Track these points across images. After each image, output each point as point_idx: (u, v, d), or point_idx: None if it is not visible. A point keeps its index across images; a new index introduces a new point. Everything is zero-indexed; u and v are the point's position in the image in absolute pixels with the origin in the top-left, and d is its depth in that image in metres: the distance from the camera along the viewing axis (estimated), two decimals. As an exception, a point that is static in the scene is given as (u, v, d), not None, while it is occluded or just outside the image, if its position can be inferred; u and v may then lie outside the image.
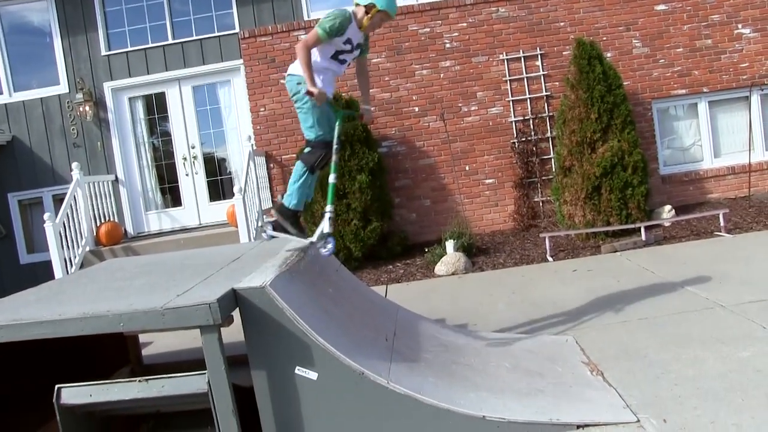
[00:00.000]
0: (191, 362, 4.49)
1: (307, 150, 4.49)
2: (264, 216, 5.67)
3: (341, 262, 6.23)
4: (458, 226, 9.11)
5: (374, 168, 9.08)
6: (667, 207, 9.41)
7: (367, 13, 4.35)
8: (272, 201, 9.60)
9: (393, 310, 5.28)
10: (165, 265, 5.13)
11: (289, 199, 4.57)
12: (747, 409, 3.55)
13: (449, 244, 8.63)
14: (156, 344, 6.38)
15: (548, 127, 9.88)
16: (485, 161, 9.96)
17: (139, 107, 10.81)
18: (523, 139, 9.89)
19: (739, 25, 10.04)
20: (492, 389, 4.04)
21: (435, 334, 5.06)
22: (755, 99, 10.22)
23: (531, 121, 9.92)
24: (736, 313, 5.21)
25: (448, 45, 9.96)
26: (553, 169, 9.60)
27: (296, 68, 4.37)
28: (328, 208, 4.42)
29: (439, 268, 8.37)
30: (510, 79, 9.94)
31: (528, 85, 9.96)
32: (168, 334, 5.86)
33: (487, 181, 9.97)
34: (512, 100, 9.94)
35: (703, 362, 4.29)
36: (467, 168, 9.97)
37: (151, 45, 10.67)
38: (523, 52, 9.94)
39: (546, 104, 9.95)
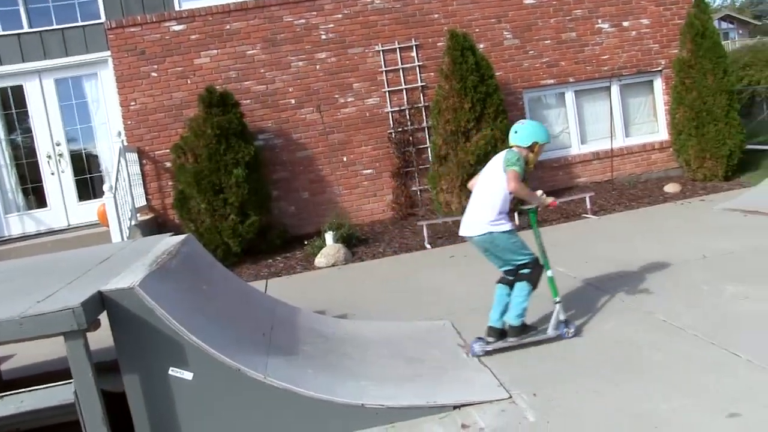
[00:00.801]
0: (59, 372, 4.32)
1: (526, 271, 4.76)
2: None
3: (219, 258, 6.47)
4: (337, 218, 9.49)
5: (251, 161, 9.26)
6: (539, 192, 10.18)
7: (531, 150, 4.86)
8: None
9: (271, 305, 5.42)
10: (28, 270, 5.06)
11: (519, 319, 4.74)
12: (607, 377, 4.05)
13: (329, 236, 8.98)
14: (20, 356, 6.12)
15: (424, 117, 10.45)
16: (363, 152, 10.43)
17: (-8, 101, 10.44)
18: (400, 129, 10.42)
19: (599, 20, 11.04)
20: (372, 377, 4.27)
21: (314, 326, 5.26)
22: (615, 89, 11.29)
23: (407, 112, 10.47)
24: (599, 290, 5.87)
25: (323, 36, 10.32)
26: (430, 158, 10.17)
27: (482, 224, 4.79)
28: (557, 299, 4.84)
29: (319, 260, 8.67)
30: (386, 71, 10.44)
31: (404, 76, 10.48)
32: (34, 344, 5.68)
33: (366, 171, 10.44)
34: (388, 91, 10.45)
35: (569, 338, 4.79)
36: (345, 159, 10.39)
37: (3, 33, 10.28)
38: (398, 44, 10.45)
39: (422, 95, 10.52)
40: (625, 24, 11.14)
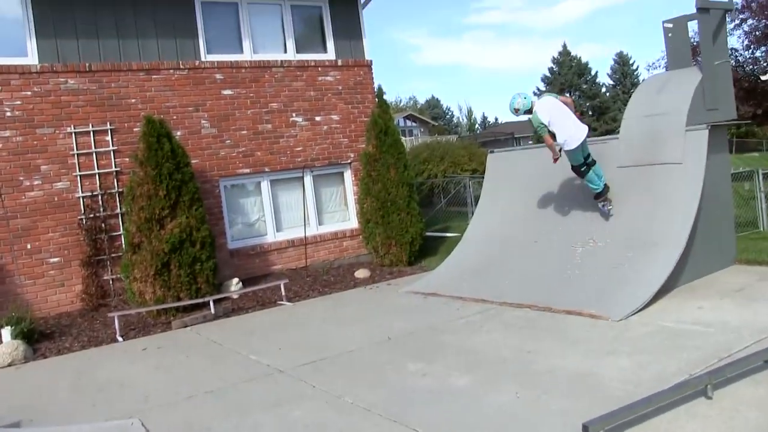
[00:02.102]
0: None
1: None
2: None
3: None
4: (17, 311, 9.28)
5: None
6: (235, 280, 11.17)
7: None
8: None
9: None
10: None
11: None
12: None
13: (6, 332, 8.78)
14: None
15: (118, 204, 10.86)
16: (50, 238, 10.50)
17: None
18: (92, 215, 10.71)
19: (294, 114, 12.56)
20: None
21: None
22: (308, 179, 12.81)
23: (100, 197, 10.82)
24: (292, 376, 6.53)
25: (8, 113, 10.30)
26: (123, 246, 10.54)
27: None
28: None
29: None
30: (78, 153, 10.72)
31: (97, 160, 10.86)
32: None
33: (53, 260, 10.50)
34: (80, 175, 10.72)
35: (261, 426, 5.31)
36: (29, 246, 10.35)
37: None
38: (92, 126, 10.84)
39: (116, 180, 10.98)
40: (318, 119, 12.80)
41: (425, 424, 5.01)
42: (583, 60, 55.10)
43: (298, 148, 12.58)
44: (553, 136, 9.12)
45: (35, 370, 8.17)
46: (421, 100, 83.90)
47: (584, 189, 9.47)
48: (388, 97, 14.36)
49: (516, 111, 9.25)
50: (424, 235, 12.72)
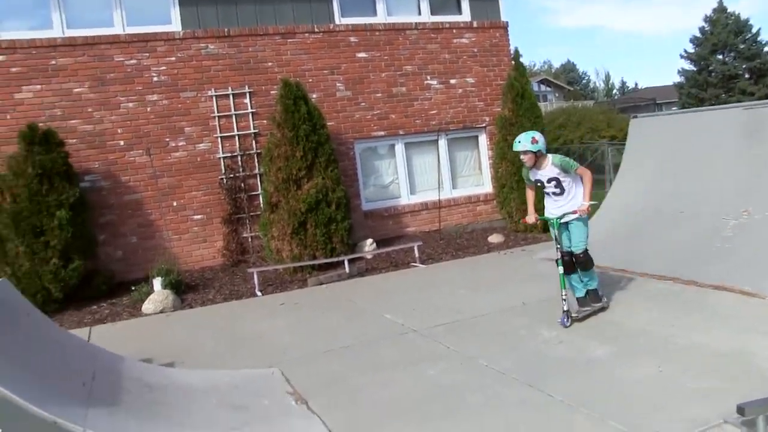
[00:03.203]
0: None
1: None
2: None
3: (39, 304, 6.71)
4: (166, 263, 9.92)
5: (75, 203, 9.54)
6: (369, 240, 11.31)
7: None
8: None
9: (93, 353, 5.49)
10: None
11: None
12: (432, 419, 4.52)
13: (157, 282, 9.40)
14: None
15: (256, 164, 11.27)
16: (193, 197, 11.07)
17: None
18: (232, 175, 11.18)
19: (428, 77, 12.48)
20: (197, 426, 4.47)
21: (139, 375, 5.35)
22: (443, 143, 12.73)
23: (239, 158, 11.27)
24: (425, 337, 6.51)
25: (155, 78, 10.92)
26: (261, 205, 10.94)
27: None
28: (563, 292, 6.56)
29: (147, 306, 9.04)
30: (218, 116, 11.20)
31: (236, 122, 11.29)
32: None
33: (196, 217, 11.08)
34: (221, 137, 11.21)
35: (396, 383, 5.29)
36: (175, 204, 10.98)
37: None
38: (231, 90, 11.27)
39: (254, 141, 11.37)
40: (452, 81, 12.65)
41: (561, 391, 4.84)
42: (743, 16, 51.48)
43: (433, 111, 12.50)
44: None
45: (182, 319, 8.64)
46: (556, 65, 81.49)
47: (739, 156, 8.59)
48: (523, 61, 14.15)
49: (534, 141, 6.53)
50: (564, 202, 12.29)
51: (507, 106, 12.13)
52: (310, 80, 11.61)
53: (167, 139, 10.95)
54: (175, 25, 11.08)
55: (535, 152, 6.52)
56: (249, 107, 11.37)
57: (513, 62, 12.66)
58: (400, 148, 12.48)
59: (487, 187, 13.05)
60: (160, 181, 10.87)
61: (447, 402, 4.86)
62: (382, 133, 12.19)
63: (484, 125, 12.95)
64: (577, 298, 6.83)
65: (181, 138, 11.01)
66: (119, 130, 10.74)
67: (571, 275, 6.77)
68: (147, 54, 10.89)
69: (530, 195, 7.09)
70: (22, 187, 9.30)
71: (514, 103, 12.00)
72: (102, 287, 9.91)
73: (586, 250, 6.66)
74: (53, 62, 10.44)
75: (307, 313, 8.15)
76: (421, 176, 12.68)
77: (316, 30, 11.75)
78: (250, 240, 11.28)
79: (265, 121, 11.26)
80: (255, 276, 9.73)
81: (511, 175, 11.96)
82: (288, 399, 5.11)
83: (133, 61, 10.83)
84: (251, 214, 11.25)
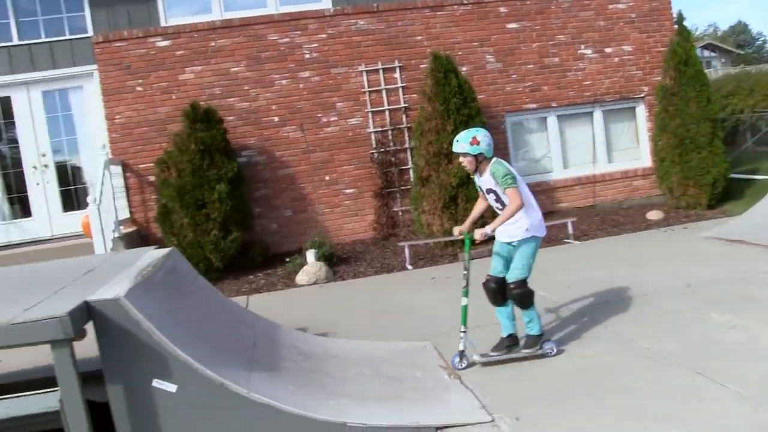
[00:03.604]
0: (44, 380, 4.47)
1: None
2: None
3: (201, 273, 7.07)
4: (319, 236, 10.17)
5: (233, 178, 10.00)
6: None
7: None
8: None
9: (253, 321, 5.69)
10: (12, 279, 5.29)
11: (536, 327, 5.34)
12: (591, 401, 4.29)
13: (310, 254, 9.66)
14: (6, 363, 6.24)
15: (406, 138, 11.29)
16: (345, 171, 11.28)
17: (-20, 112, 11.32)
18: (382, 149, 11.28)
19: (582, 46, 11.96)
20: (352, 396, 4.50)
21: (295, 343, 5.53)
22: (598, 115, 12.19)
23: (390, 132, 11.33)
24: (581, 315, 6.20)
25: (307, 55, 11.19)
26: (412, 179, 10.98)
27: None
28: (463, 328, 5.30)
29: (300, 277, 9.32)
30: (369, 91, 11.31)
31: (387, 97, 11.36)
32: (19, 352, 5.82)
33: (348, 191, 11.28)
34: (371, 111, 11.32)
35: (553, 362, 5.08)
36: (327, 178, 11.24)
37: (-8, 45, 11.23)
38: (381, 64, 11.33)
39: (404, 116, 11.38)
40: (608, 50, 12.07)
41: (735, 380, 4.38)
42: None
43: (587, 82, 12.00)
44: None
45: (334, 290, 8.83)
46: (723, 27, 75.34)
47: None
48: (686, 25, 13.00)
49: (474, 143, 5.31)
50: (727, 177, 11.44)
51: (668, 75, 11.41)
52: (460, 53, 11.46)
53: (319, 115, 11.19)
54: (325, 3, 11.31)
55: (475, 155, 5.24)
56: (399, 81, 11.39)
57: (675, 26, 11.86)
58: (552, 120, 12.10)
59: (645, 161, 12.38)
60: (312, 155, 11.13)
61: (604, 384, 4.60)
62: (534, 105, 11.86)
63: (642, 95, 12.28)
64: (501, 337, 5.42)
65: (332, 113, 11.21)
66: (273, 107, 11.11)
67: (501, 308, 5.42)
68: (299, 32, 11.17)
69: (478, 204, 5.81)
70: (186, 162, 9.84)
71: (677, 71, 11.26)
72: (257, 258, 10.32)
73: (523, 281, 5.25)
74: (212, 44, 10.95)
75: (457, 287, 7.90)
76: (574, 150, 12.22)
77: (465, 2, 11.58)
78: (400, 214, 11.32)
79: (415, 96, 11.23)
80: (406, 249, 9.76)
81: (671, 148, 11.27)
82: (441, 372, 5.08)
83: (286, 40, 11.14)
84: (401, 188, 11.29)
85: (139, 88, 10.90)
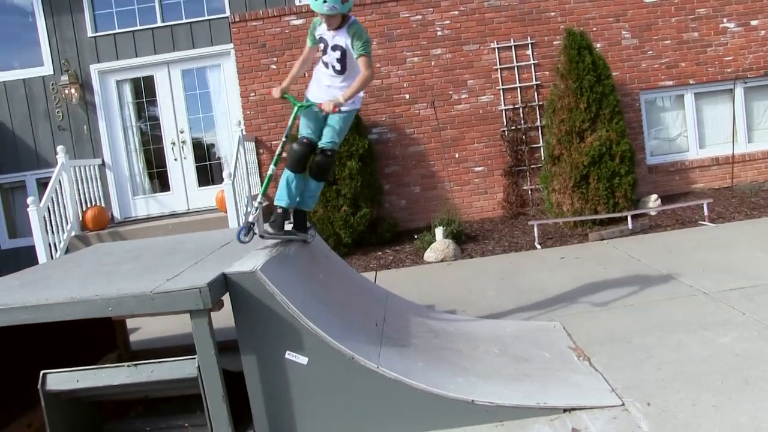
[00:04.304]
0: (179, 348, 4.85)
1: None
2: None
3: (331, 248, 7.23)
4: (447, 213, 10.14)
5: (364, 154, 10.10)
6: (653, 196, 10.69)
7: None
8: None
9: (382, 296, 5.74)
10: (153, 250, 5.44)
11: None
12: (726, 391, 4.06)
13: (438, 231, 9.66)
14: (143, 330, 6.78)
15: (538, 116, 11.09)
16: (475, 149, 11.17)
17: (127, 90, 11.85)
18: (513, 127, 11.11)
19: (725, 20, 11.38)
20: (480, 374, 4.45)
21: (424, 319, 5.54)
22: (739, 92, 11.60)
23: (521, 110, 11.14)
24: (718, 300, 5.88)
25: (439, 33, 11.12)
26: (542, 158, 10.79)
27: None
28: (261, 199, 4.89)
29: (429, 254, 9.35)
30: (500, 68, 11.14)
31: (518, 74, 11.16)
32: (155, 320, 5.97)
33: (477, 168, 11.18)
34: (502, 89, 11.15)
35: (685, 347, 4.85)
36: (457, 156, 11.17)
37: (139, 27, 11.71)
38: (513, 41, 11.14)
39: (536, 93, 11.17)
40: (754, 23, 11.43)
41: None
42: None
43: (728, 58, 11.43)
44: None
45: (462, 268, 8.75)
46: None
47: None
48: None
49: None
50: None
51: (817, 49, 10.78)
52: (594, 29, 11.13)
53: (450, 92, 11.13)
54: (458, -20, 11.16)
55: (346, 13, 4.84)
56: (531, 59, 11.19)
57: (827, -3, 11.17)
58: (689, 98, 11.60)
59: (788, 141, 11.74)
60: (443, 133, 11.09)
61: (742, 372, 4.35)
62: (671, 82, 11.40)
63: (789, 71, 11.63)
64: (277, 212, 4.85)
65: (463, 90, 11.12)
66: (405, 84, 11.11)
67: (298, 175, 4.88)
68: (431, 9, 11.11)
69: (299, 61, 5.33)
70: (317, 139, 9.88)
71: (826, 46, 10.64)
72: (386, 234, 10.38)
73: (333, 150, 4.93)
74: (345, 21, 10.96)
75: (587, 268, 7.86)
76: (711, 129, 11.69)
77: (600, -24, 11.23)
78: (529, 192, 11.16)
79: (547, 73, 11.05)
80: (535, 228, 9.66)
81: (817, 127, 10.68)
82: (570, 354, 5.00)
83: (419, 17, 11.10)
84: (531, 166, 11.11)
85: (273, 66, 11.10)
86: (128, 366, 3.86)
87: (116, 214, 11.69)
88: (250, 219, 4.79)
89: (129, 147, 11.80)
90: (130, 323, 6.08)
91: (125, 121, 11.82)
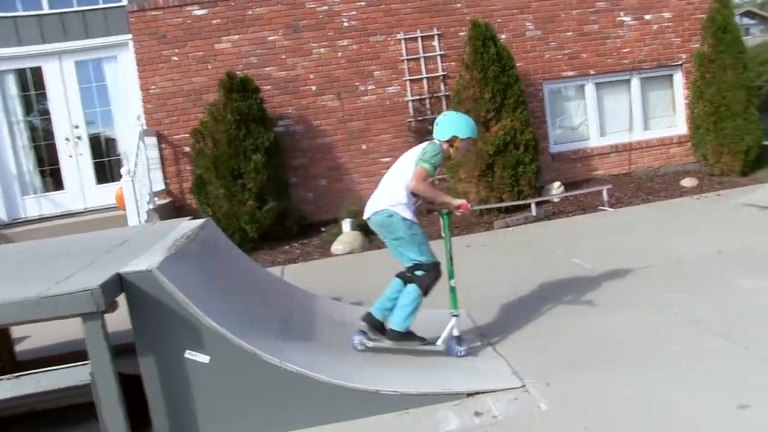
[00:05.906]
0: (73, 354, 4.52)
1: (419, 273, 4.65)
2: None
3: (236, 243, 6.90)
4: (355, 205, 9.90)
5: (270, 147, 9.78)
6: (557, 183, 10.84)
7: (451, 145, 4.85)
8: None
9: (288, 291, 5.69)
10: (44, 252, 5.24)
11: (404, 324, 4.65)
12: (618, 367, 4.30)
13: (346, 223, 9.53)
14: (34, 338, 6.31)
15: (444, 107, 10.95)
16: (382, 140, 11.01)
17: (10, 82, 10.95)
18: (420, 118, 10.99)
19: (621, 13, 11.62)
20: (387, 364, 4.52)
21: (331, 312, 5.56)
22: (635, 82, 11.90)
23: (427, 101, 11.05)
24: (614, 281, 6.17)
25: (346, 23, 10.86)
26: (450, 149, 10.75)
27: (383, 203, 4.82)
28: (455, 312, 4.74)
29: (336, 247, 9.20)
30: (407, 59, 11.00)
31: (425, 65, 11.05)
32: (50, 326, 5.64)
33: (384, 159, 10.93)
34: (409, 80, 11.02)
35: (583, 328, 5.06)
36: (364, 147, 10.98)
37: (22, 13, 10.76)
38: (420, 32, 11.00)
39: (442, 84, 11.09)
40: (647, 17, 11.71)
41: (758, 343, 4.39)
42: None
43: (625, 50, 11.68)
44: None
45: (370, 259, 8.70)
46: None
47: None
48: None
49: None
50: (761, 144, 11.25)
51: (706, 42, 11.16)
52: (499, 20, 11.13)
53: (357, 83, 10.92)
54: (364, -31, 10.92)
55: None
56: (437, 50, 11.09)
57: (715, -7, 11.56)
58: (590, 88, 11.81)
59: (681, 128, 12.11)
60: (349, 124, 10.89)
61: (636, 349, 4.58)
62: (573, 73, 11.57)
63: (680, 63, 11.97)
64: (371, 319, 4.82)
65: (370, 82, 10.94)
66: (311, 76, 10.84)
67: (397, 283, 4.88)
68: (338, 0, 10.81)
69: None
70: (222, 132, 9.64)
71: (715, 38, 11.01)
72: (293, 228, 10.14)
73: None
74: (250, 12, 10.65)
75: (493, 255, 7.99)
76: (611, 117, 11.96)
77: (504, -32, 11.23)
78: (437, 182, 11.05)
79: (453, 64, 10.96)
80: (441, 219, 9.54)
81: (707, 115, 11.12)
82: (475, 339, 5.06)
83: (325, 8, 10.83)
84: (439, 157, 11.00)
85: (174, 58, 10.60)
86: (9, 378, 3.70)
87: (2, 215, 10.73)
88: (455, 333, 4.73)
89: (16, 143, 10.91)
90: (19, 331, 5.75)
91: (10, 115, 10.91)
